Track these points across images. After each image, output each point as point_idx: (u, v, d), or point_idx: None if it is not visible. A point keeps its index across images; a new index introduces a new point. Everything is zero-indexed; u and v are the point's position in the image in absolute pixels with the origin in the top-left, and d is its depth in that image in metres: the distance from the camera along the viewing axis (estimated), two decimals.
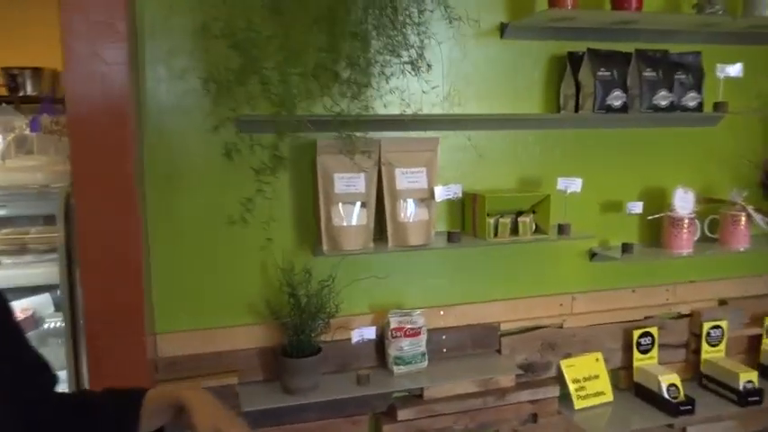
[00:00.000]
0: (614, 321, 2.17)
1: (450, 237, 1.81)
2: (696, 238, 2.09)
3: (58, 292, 1.58)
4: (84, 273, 1.40)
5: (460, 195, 1.79)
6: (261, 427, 1.71)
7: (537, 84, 1.99)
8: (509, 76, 1.96)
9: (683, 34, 2.04)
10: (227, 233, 1.71)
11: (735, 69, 1.98)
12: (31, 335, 1.61)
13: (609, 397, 2.09)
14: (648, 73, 1.92)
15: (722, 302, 2.30)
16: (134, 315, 1.45)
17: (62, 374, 1.20)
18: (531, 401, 2.01)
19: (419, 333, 1.86)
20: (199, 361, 1.75)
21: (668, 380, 2.03)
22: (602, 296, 2.16)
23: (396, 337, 1.83)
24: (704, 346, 2.21)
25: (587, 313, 2.14)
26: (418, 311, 1.89)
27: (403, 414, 1.86)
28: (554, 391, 2.04)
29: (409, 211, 1.76)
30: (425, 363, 1.88)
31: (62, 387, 1.07)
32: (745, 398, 2.06)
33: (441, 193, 1.76)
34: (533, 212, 1.92)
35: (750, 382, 2.08)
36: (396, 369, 1.84)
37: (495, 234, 1.85)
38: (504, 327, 2.05)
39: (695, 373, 2.23)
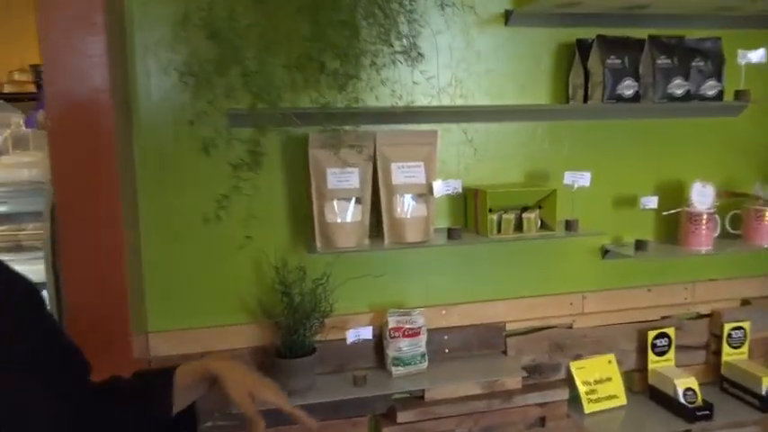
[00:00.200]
0: (628, 321, 2.07)
1: (451, 233, 1.74)
2: (716, 235, 1.98)
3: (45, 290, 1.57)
4: (66, 271, 1.37)
5: (460, 191, 1.72)
6: None
7: (544, 73, 1.90)
8: (514, 66, 1.87)
9: (700, 19, 1.93)
10: (219, 230, 1.67)
11: (757, 55, 1.85)
12: None
13: (622, 400, 1.99)
14: (662, 60, 1.81)
15: (745, 302, 2.18)
16: (119, 314, 1.42)
17: None
18: (539, 404, 1.93)
19: (418, 333, 1.79)
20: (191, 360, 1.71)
21: (685, 383, 1.92)
22: (614, 295, 2.06)
23: (394, 337, 1.77)
24: (725, 347, 2.10)
25: (599, 313, 2.05)
26: (418, 311, 1.82)
27: (403, 416, 1.80)
28: (563, 394, 1.95)
29: (406, 206, 1.69)
30: (425, 364, 1.81)
31: None
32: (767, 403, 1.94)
33: (439, 188, 1.69)
34: (539, 208, 1.83)
35: None
36: (394, 370, 1.78)
37: (498, 231, 1.78)
38: (510, 327, 1.97)
39: (715, 376, 2.12)
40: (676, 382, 1.92)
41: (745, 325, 2.10)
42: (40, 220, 1.80)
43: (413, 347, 1.79)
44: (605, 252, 2.02)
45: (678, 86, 1.82)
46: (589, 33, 1.83)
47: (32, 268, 1.74)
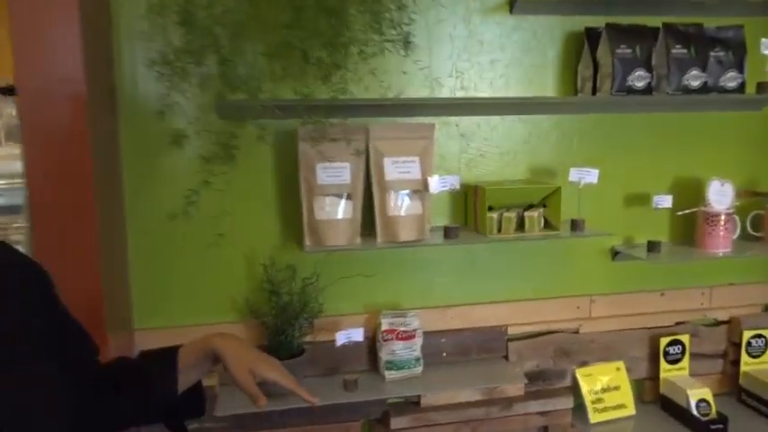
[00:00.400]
0: (639, 327, 1.96)
1: (448, 232, 1.65)
2: (735, 236, 1.86)
3: None
4: None
5: (458, 187, 1.64)
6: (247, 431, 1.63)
7: (551, 64, 1.80)
8: (520, 56, 1.77)
9: (721, 6, 1.80)
10: (205, 226, 1.62)
11: None
12: None
13: (630, 410, 1.89)
14: (678, 50, 1.69)
15: (766, 309, 2.05)
16: (94, 313, 1.37)
17: None
18: (541, 413, 1.84)
19: (413, 336, 1.72)
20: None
21: (698, 394, 1.81)
22: (625, 299, 1.95)
23: (387, 340, 1.69)
24: (744, 357, 1.97)
25: (608, 317, 1.94)
26: (413, 313, 1.74)
27: (396, 422, 1.73)
28: (567, 403, 1.85)
29: (400, 204, 1.61)
30: (420, 368, 1.73)
31: None
32: None
33: (435, 184, 1.60)
34: (543, 206, 1.74)
35: None
36: (387, 374, 1.71)
37: (499, 230, 1.68)
38: (512, 330, 1.88)
39: (733, 386, 2.00)
40: (689, 392, 1.81)
41: (766, 333, 1.98)
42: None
43: (407, 351, 1.71)
44: (615, 253, 1.91)
45: (695, 78, 1.70)
46: (599, 21, 1.73)
47: None
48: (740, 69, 1.75)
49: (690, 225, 1.89)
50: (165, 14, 1.27)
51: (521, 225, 1.71)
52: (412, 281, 1.81)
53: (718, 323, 2.03)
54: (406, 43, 1.47)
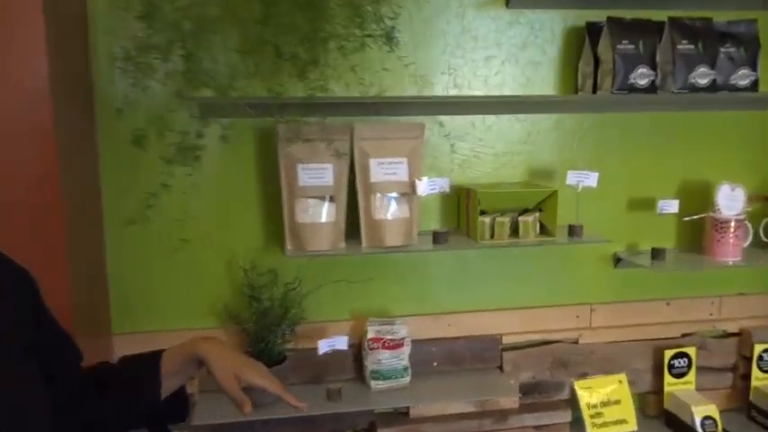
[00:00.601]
0: (643, 338, 1.86)
1: (437, 237, 1.57)
2: (747, 244, 1.76)
3: None
4: None
5: (447, 190, 1.56)
6: None
7: (551, 61, 1.71)
8: (517, 52, 1.69)
9: (731, 0, 1.69)
10: (179, 228, 1.56)
11: None
12: None
13: (632, 426, 1.78)
14: (684, 45, 1.59)
15: None
16: (61, 316, 1.32)
17: None
18: (536, 427, 1.77)
19: (401, 345, 1.64)
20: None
21: (703, 411, 1.71)
22: (628, 308, 1.85)
23: (373, 348, 1.62)
24: (755, 371, 1.86)
25: (609, 328, 1.85)
26: (401, 320, 1.67)
27: None
28: (564, 416, 1.77)
29: (386, 207, 1.54)
30: (408, 378, 1.66)
31: None
32: None
33: (424, 187, 1.53)
34: (540, 211, 1.65)
35: None
36: (373, 384, 1.64)
37: (492, 235, 1.60)
38: (507, 340, 1.79)
39: (743, 403, 1.89)
40: (694, 409, 1.71)
41: None
42: None
43: (394, 360, 1.64)
44: (618, 260, 1.82)
45: (702, 75, 1.60)
46: (601, 16, 1.63)
47: None
48: (753, 66, 1.64)
49: (698, 231, 1.79)
50: (129, 8, 1.20)
51: (515, 230, 1.63)
52: (402, 287, 1.74)
53: (727, 335, 1.92)
54: (390, 38, 1.40)
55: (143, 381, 0.99)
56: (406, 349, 1.65)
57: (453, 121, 1.69)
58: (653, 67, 1.58)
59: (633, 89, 1.58)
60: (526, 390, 1.79)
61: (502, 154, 1.73)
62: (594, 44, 1.63)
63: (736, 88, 1.64)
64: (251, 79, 1.29)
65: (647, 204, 1.77)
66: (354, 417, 1.70)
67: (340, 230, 1.54)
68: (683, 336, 1.88)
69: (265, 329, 1.55)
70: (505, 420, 1.75)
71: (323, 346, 1.56)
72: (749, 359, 1.87)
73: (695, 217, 1.74)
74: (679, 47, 1.59)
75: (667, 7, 1.66)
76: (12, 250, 1.25)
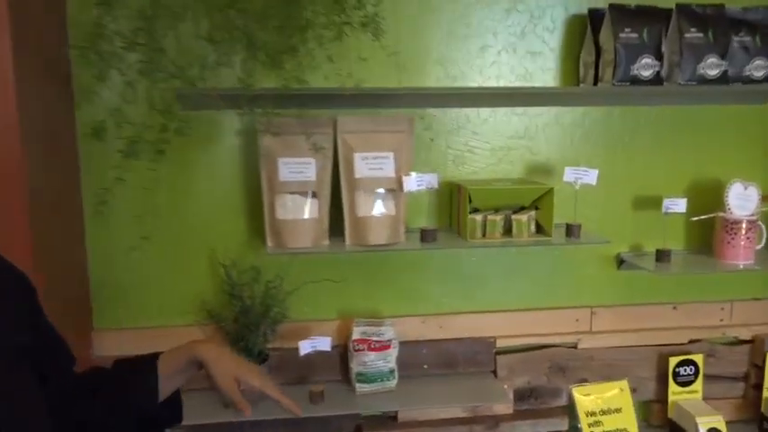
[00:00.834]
0: (647, 344, 1.77)
1: (424, 235, 1.51)
2: (760, 246, 1.65)
3: None
4: None
5: (436, 186, 1.48)
6: None
7: (551, 50, 1.62)
8: (515, 41, 1.60)
9: None
10: (165, 224, 1.52)
11: None
12: None
13: None
14: (692, 34, 1.49)
15: None
16: None
17: None
18: None
19: (388, 347, 1.58)
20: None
21: (708, 423, 1.61)
22: (631, 312, 1.76)
23: (358, 350, 1.56)
24: None
25: (611, 332, 1.76)
26: (389, 322, 1.61)
27: None
28: (561, 424, 1.69)
29: (371, 204, 1.48)
30: (394, 382, 1.59)
31: None
32: None
33: (411, 182, 1.46)
34: (536, 209, 1.57)
35: None
36: (358, 387, 1.58)
37: (484, 234, 1.53)
38: (502, 343, 1.72)
39: (754, 414, 1.78)
40: (698, 420, 1.62)
41: None
42: None
43: (380, 362, 1.58)
44: (621, 261, 1.72)
45: (712, 66, 1.50)
46: (605, 2, 1.54)
47: None
48: None
49: (707, 232, 1.69)
50: None
51: (509, 229, 1.55)
52: (391, 286, 1.67)
53: (738, 342, 1.81)
54: (376, 26, 1.33)
55: (140, 382, 0.99)
56: (393, 351, 1.59)
57: (446, 114, 1.61)
58: (658, 57, 1.48)
59: (636, 81, 1.48)
60: (521, 395, 1.71)
61: (498, 149, 1.65)
62: (597, 33, 1.54)
63: (750, 80, 1.54)
64: (221, 69, 1.23)
65: (653, 203, 1.67)
66: (340, 420, 1.64)
67: (323, 228, 1.49)
68: (691, 342, 1.78)
69: (245, 328, 1.50)
70: (497, 427, 1.68)
71: (304, 347, 1.51)
72: (762, 368, 1.76)
73: (704, 217, 1.64)
74: (687, 35, 1.49)
75: None
76: None
